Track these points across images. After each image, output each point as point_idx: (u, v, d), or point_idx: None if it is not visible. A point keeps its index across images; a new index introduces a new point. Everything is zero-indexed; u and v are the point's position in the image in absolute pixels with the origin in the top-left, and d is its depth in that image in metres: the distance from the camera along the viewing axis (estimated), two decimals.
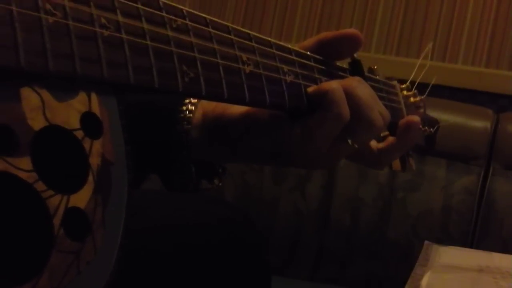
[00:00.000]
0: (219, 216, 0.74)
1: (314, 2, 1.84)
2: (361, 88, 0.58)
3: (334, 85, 0.56)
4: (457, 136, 1.44)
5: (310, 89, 0.57)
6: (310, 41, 0.62)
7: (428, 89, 0.83)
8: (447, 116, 1.41)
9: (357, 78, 0.59)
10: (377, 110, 0.59)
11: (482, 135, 1.46)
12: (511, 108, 1.63)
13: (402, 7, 1.77)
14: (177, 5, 0.44)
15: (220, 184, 0.66)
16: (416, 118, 0.68)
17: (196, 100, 0.62)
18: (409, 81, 0.79)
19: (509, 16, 1.69)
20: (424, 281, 0.73)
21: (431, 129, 0.81)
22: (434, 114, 0.86)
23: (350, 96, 0.56)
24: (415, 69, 0.81)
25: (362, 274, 1.47)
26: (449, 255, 0.86)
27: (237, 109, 0.60)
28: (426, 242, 0.90)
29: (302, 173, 1.49)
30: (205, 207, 0.76)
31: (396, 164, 0.75)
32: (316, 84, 0.58)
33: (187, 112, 0.61)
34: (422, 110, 0.80)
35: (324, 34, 0.62)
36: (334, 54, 0.61)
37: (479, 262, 0.82)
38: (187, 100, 0.62)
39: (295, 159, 0.59)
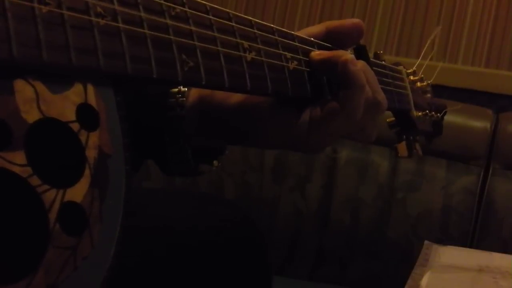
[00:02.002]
0: (220, 216, 0.74)
1: (314, 2, 1.84)
2: (368, 71, 0.58)
3: (349, 56, 0.55)
4: (457, 136, 1.44)
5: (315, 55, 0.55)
6: (317, 27, 0.61)
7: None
8: (447, 116, 1.40)
9: (362, 62, 0.58)
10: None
11: (482, 135, 1.46)
12: (511, 108, 1.63)
13: (402, 7, 1.77)
14: None
15: (219, 164, 0.64)
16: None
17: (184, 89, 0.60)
18: (415, 65, 0.78)
19: (509, 16, 1.69)
20: (424, 281, 0.73)
21: (438, 114, 0.79)
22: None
23: None
24: (422, 54, 0.80)
25: (362, 274, 1.46)
26: (449, 255, 0.86)
27: (240, 96, 0.59)
28: (426, 242, 0.90)
29: (302, 173, 1.49)
30: (206, 206, 0.76)
31: (402, 149, 0.73)
32: None
33: (180, 96, 0.60)
34: (429, 95, 0.79)
35: (330, 22, 0.61)
36: (337, 43, 0.61)
37: (479, 262, 0.82)
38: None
39: (301, 145, 0.58)
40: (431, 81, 0.79)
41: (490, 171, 1.45)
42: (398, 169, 1.46)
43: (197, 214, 0.73)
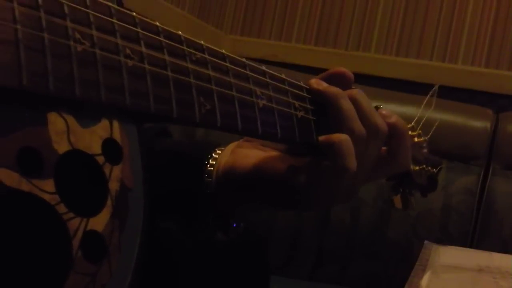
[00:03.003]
0: None
1: (314, 2, 1.84)
2: (363, 98, 0.59)
3: (342, 137, 0.56)
4: (457, 136, 1.44)
5: (321, 138, 0.58)
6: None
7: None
8: (447, 116, 1.41)
9: (355, 90, 0.60)
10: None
11: (482, 135, 1.46)
12: (510, 108, 1.63)
13: (402, 7, 1.77)
14: (196, 40, 0.45)
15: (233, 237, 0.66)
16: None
17: (217, 156, 0.63)
18: (414, 121, 0.79)
19: (509, 16, 1.70)
20: (424, 281, 0.73)
21: (434, 170, 0.81)
22: (434, 114, 0.86)
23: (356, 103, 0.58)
24: (421, 108, 0.81)
25: (362, 274, 1.47)
26: (449, 255, 0.86)
27: (245, 161, 0.60)
28: (426, 242, 0.90)
29: None
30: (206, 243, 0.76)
31: (398, 202, 0.75)
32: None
33: (209, 166, 0.62)
34: (425, 150, 0.81)
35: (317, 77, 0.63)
36: None
37: (479, 262, 0.83)
38: (210, 154, 0.63)
39: (308, 203, 0.60)
40: (428, 137, 0.81)
41: (490, 171, 1.45)
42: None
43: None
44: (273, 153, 0.61)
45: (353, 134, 0.57)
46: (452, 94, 1.65)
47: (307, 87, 0.59)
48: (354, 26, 1.81)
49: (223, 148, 0.64)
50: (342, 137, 0.56)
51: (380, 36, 1.77)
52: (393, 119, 0.62)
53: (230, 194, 0.62)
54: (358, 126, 0.57)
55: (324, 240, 1.48)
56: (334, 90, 0.58)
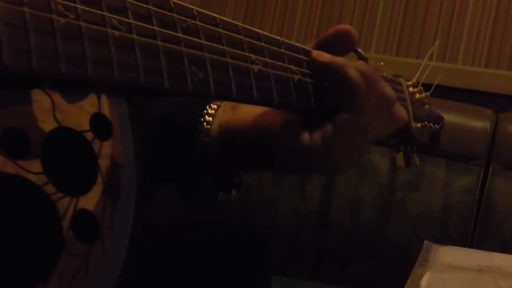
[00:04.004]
0: (219, 216, 0.74)
1: (314, 2, 1.84)
2: (367, 71, 0.57)
3: (346, 63, 0.54)
4: (457, 136, 1.44)
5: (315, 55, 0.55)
6: (311, 45, 0.61)
7: (431, 89, 0.82)
8: (447, 116, 1.40)
9: (360, 62, 0.58)
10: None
11: (482, 135, 1.46)
12: (510, 108, 1.63)
13: (402, 7, 1.77)
14: (187, 5, 0.43)
15: (236, 194, 0.64)
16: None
17: (212, 111, 0.61)
18: (414, 79, 0.78)
19: (509, 16, 1.69)
20: (424, 281, 0.73)
21: (436, 126, 0.80)
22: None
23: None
24: (420, 68, 0.80)
25: (362, 274, 1.47)
26: (449, 255, 0.86)
27: (252, 121, 0.59)
28: (425, 242, 0.90)
29: None
30: (205, 207, 0.76)
31: (400, 160, 0.74)
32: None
33: (205, 124, 0.60)
34: (427, 106, 0.80)
35: (320, 37, 0.61)
36: (335, 53, 0.61)
37: (479, 262, 0.83)
38: (205, 111, 0.61)
39: (320, 165, 0.58)
40: (429, 92, 0.80)
41: (490, 171, 1.45)
42: (398, 169, 1.46)
43: (197, 215, 0.73)
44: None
45: (364, 103, 0.55)
46: (452, 94, 1.65)
47: (305, 49, 0.56)
48: (354, 26, 1.81)
49: (218, 103, 0.62)
50: (345, 64, 0.54)
51: (380, 36, 1.77)
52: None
53: (234, 152, 0.60)
54: (368, 95, 0.55)
55: (324, 240, 1.48)
56: (340, 61, 0.55)
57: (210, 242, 0.70)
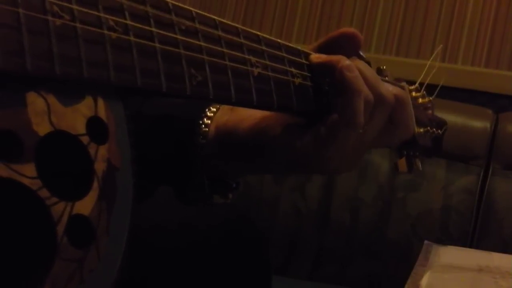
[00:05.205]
0: (220, 215, 0.74)
1: (314, 2, 1.84)
2: (365, 71, 0.57)
3: (345, 62, 0.54)
4: (457, 136, 1.44)
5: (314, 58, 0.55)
6: (312, 46, 0.60)
7: (437, 90, 0.82)
8: (446, 116, 1.40)
9: (359, 61, 0.57)
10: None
11: (482, 135, 1.46)
12: (510, 108, 1.63)
13: (402, 7, 1.77)
14: (186, 7, 0.43)
15: (232, 198, 0.64)
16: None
17: (211, 114, 0.61)
18: (418, 82, 0.78)
19: (509, 16, 1.69)
20: (424, 281, 0.73)
21: (439, 131, 0.79)
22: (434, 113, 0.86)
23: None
24: (425, 70, 0.80)
25: (362, 274, 1.47)
26: (449, 255, 0.86)
27: (249, 123, 0.59)
28: (425, 242, 0.90)
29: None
30: (205, 206, 0.76)
31: (403, 165, 0.73)
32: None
33: (203, 126, 0.60)
34: (430, 111, 0.79)
35: (324, 38, 0.61)
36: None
37: (479, 262, 0.83)
38: (203, 114, 0.61)
39: (315, 166, 0.58)
40: (432, 97, 0.79)
41: (490, 171, 1.45)
42: (399, 173, 1.46)
43: (197, 214, 0.73)
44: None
45: (358, 103, 0.54)
46: (452, 94, 1.65)
47: (306, 52, 0.56)
48: (354, 26, 1.81)
49: (218, 106, 0.61)
50: (344, 62, 0.54)
51: (380, 36, 1.77)
52: (395, 90, 0.60)
53: (231, 154, 0.60)
54: (365, 91, 0.55)
55: (324, 240, 1.48)
56: (337, 58, 0.55)
57: (211, 241, 0.70)
